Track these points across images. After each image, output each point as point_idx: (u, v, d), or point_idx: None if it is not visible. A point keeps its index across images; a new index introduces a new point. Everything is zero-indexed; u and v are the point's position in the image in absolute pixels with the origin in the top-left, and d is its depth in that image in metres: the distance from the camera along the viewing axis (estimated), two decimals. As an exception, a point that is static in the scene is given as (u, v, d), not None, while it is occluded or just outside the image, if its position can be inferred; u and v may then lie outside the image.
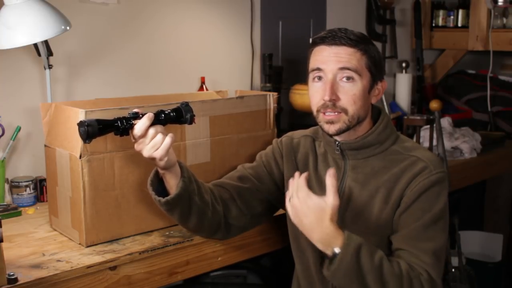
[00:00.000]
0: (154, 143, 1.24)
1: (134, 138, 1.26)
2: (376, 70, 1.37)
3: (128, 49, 2.14)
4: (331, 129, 1.36)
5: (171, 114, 1.30)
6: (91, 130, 1.21)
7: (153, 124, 1.25)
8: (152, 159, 1.26)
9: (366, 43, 1.36)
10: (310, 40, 1.40)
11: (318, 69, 1.35)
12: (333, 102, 1.33)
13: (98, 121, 1.22)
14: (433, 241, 1.31)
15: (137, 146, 1.27)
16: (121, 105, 1.59)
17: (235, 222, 1.48)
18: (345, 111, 1.34)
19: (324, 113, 1.35)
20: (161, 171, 1.32)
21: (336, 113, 1.34)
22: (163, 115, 1.29)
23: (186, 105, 1.33)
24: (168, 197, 1.31)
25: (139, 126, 1.23)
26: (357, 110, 1.35)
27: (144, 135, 1.24)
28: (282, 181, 1.54)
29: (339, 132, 1.36)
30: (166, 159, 1.26)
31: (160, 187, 1.35)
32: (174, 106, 1.33)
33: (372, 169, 1.40)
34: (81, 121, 1.22)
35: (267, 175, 1.54)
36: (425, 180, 1.33)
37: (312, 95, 1.38)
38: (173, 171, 1.31)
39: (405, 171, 1.36)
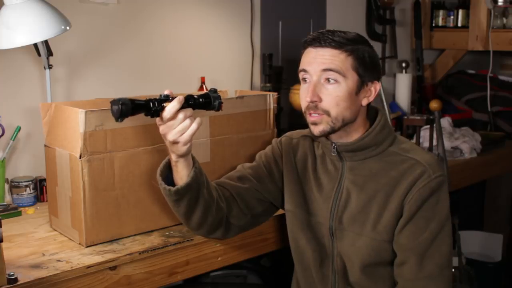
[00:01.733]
0: (182, 127, 1.24)
1: (162, 120, 1.25)
2: (365, 71, 1.36)
3: (128, 49, 2.14)
4: (315, 130, 1.37)
5: (200, 99, 1.29)
6: (125, 109, 1.19)
7: (182, 108, 1.24)
8: (176, 143, 1.26)
9: (354, 44, 1.34)
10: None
11: (304, 70, 1.36)
12: (315, 104, 1.34)
13: (132, 100, 1.20)
14: (442, 248, 1.33)
15: (162, 130, 1.26)
16: (121, 105, 1.58)
17: (236, 221, 1.48)
18: (327, 112, 1.34)
19: (310, 114, 1.36)
20: (175, 159, 1.30)
21: (318, 115, 1.35)
22: (192, 100, 1.28)
23: (214, 91, 1.32)
24: (179, 186, 1.31)
25: (170, 108, 1.22)
26: (340, 112, 1.34)
27: (173, 118, 1.23)
28: (282, 181, 1.54)
29: (323, 134, 1.37)
30: (189, 144, 1.26)
31: (168, 179, 1.35)
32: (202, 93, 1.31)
33: (369, 171, 1.40)
34: (114, 100, 1.20)
35: (267, 175, 1.54)
36: (426, 186, 1.33)
37: (300, 96, 1.40)
38: (187, 160, 1.31)
39: (404, 175, 1.36)
